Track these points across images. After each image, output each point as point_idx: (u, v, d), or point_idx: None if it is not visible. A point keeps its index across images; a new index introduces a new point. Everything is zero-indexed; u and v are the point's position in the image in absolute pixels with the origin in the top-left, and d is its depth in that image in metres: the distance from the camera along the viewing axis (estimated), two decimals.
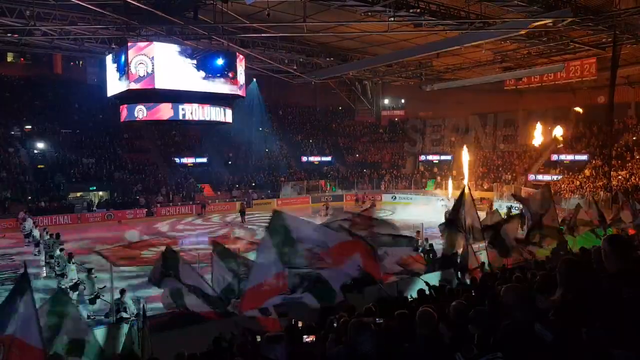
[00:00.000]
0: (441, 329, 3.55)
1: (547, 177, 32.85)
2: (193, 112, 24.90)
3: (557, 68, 28.91)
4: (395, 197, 35.95)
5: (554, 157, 35.42)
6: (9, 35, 22.72)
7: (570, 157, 34.01)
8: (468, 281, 7.67)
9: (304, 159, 41.27)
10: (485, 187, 34.64)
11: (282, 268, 4.43)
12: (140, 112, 24.41)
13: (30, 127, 32.48)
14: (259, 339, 5.78)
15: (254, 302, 4.55)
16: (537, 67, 30.12)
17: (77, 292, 12.69)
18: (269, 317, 6.05)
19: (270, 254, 4.47)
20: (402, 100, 45.74)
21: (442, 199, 31.26)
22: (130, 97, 24.08)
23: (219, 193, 33.96)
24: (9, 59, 36.02)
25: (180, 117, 24.77)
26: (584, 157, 33.15)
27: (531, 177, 34.52)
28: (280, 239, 4.49)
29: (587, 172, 31.12)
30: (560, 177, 32.05)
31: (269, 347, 3.26)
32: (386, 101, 45.90)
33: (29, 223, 21.40)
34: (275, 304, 4.74)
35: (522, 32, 21.73)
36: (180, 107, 24.57)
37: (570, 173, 31.97)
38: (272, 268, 4.43)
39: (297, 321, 6.38)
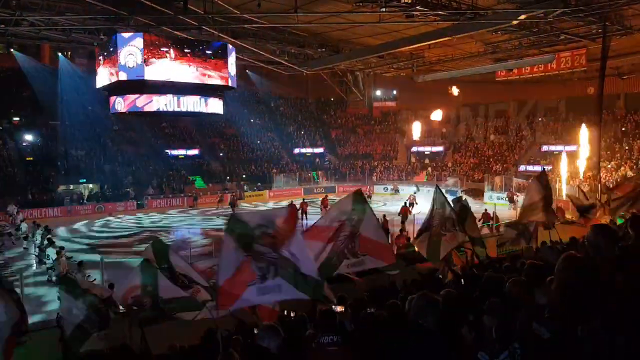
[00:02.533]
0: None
1: (537, 168, 33.16)
2: (183, 103, 24.70)
3: (547, 59, 29.03)
4: (387, 189, 36.07)
5: (545, 148, 35.73)
6: None
7: (560, 147, 34.30)
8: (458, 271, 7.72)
9: (296, 150, 41.22)
10: (477, 179, 34.88)
11: (245, 256, 4.47)
12: (130, 103, 24.16)
13: (18, 119, 32.07)
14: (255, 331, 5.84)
15: (230, 297, 4.54)
16: (527, 58, 30.21)
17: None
18: (265, 307, 6.12)
19: (231, 247, 4.50)
20: (394, 92, 45.71)
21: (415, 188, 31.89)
22: (120, 88, 23.81)
23: (210, 185, 33.84)
24: None
25: (170, 109, 24.55)
26: (574, 148, 33.45)
27: (522, 167, 34.82)
28: (240, 231, 4.57)
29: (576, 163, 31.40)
30: (550, 167, 32.34)
31: (263, 337, 3.30)
32: (378, 92, 45.84)
33: (19, 216, 21.25)
34: (260, 297, 4.74)
35: (514, 23, 21.74)
36: (170, 98, 24.36)
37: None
38: (237, 258, 4.46)
39: (290, 311, 6.44)
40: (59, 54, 32.45)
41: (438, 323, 3.16)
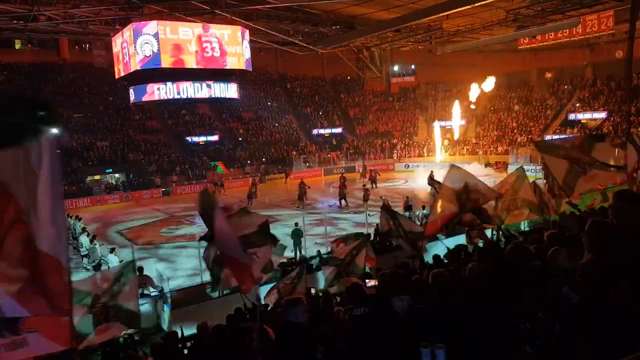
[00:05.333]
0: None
1: (564, 137, 32.30)
2: (200, 89, 24.78)
3: (572, 23, 27.92)
4: (409, 166, 35.72)
5: (571, 117, 34.70)
6: (14, 22, 22.68)
7: (587, 115, 33.28)
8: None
9: (314, 131, 41.05)
10: (500, 151, 34.18)
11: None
12: (149, 92, 24.37)
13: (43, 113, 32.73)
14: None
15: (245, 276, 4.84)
16: (551, 24, 29.14)
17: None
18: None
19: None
20: (412, 66, 44.84)
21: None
22: (138, 77, 24.02)
23: (231, 170, 34.10)
24: (17, 46, 36.07)
25: (188, 95, 24.68)
26: (602, 115, 32.42)
27: (547, 137, 33.93)
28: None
29: (605, 130, 30.47)
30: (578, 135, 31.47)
31: (289, 310, 3.32)
32: (396, 68, 45.06)
33: None
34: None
35: None
36: (187, 84, 24.46)
37: (588, 132, 31.35)
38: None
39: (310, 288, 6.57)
40: (76, 47, 32.80)
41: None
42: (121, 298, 5.52)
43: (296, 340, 3.15)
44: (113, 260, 12.71)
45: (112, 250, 13.35)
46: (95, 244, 14.24)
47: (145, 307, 10.04)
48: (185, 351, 5.82)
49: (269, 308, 6.85)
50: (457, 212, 6.16)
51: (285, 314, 3.32)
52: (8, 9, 20.53)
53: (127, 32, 23.03)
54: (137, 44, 22.54)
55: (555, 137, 33.13)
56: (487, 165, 32.00)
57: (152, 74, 23.50)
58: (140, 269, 10.82)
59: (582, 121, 33.75)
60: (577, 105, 34.93)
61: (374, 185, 26.36)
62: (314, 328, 3.41)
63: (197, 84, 24.67)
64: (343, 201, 22.79)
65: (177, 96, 24.46)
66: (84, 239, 14.80)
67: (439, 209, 6.29)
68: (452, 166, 6.48)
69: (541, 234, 7.52)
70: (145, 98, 24.76)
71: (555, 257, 3.68)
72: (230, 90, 25.88)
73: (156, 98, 24.52)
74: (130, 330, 6.15)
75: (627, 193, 3.12)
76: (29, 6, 20.53)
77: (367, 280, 6.08)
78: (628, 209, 2.77)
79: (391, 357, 3.10)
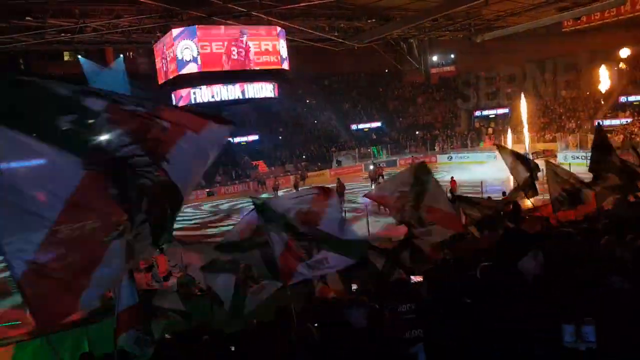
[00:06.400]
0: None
1: (615, 122, 30.65)
2: (245, 90, 25.21)
3: (619, 1, 26.42)
4: (452, 157, 34.96)
5: (622, 99, 32.86)
6: (62, 35, 23.84)
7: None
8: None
9: (354, 127, 40.89)
10: (548, 139, 32.85)
11: (287, 236, 4.61)
12: (184, 96, 25.06)
13: None
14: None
15: (287, 271, 4.75)
16: (596, 4, 27.67)
17: (151, 273, 13.50)
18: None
19: (273, 230, 4.66)
20: (452, 56, 43.78)
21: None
22: (180, 82, 24.74)
23: (272, 168, 34.52)
24: (66, 57, 37.86)
25: (222, 98, 25.19)
26: None
27: (597, 122, 32.30)
28: (273, 221, 4.71)
29: None
30: (630, 120, 29.76)
31: (349, 312, 3.21)
32: (434, 58, 44.13)
33: None
34: (312, 272, 4.87)
35: None
36: (228, 87, 24.97)
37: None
38: (282, 238, 4.62)
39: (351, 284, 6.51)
40: (121, 55, 34.00)
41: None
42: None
43: (347, 344, 3.05)
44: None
45: (161, 250, 13.76)
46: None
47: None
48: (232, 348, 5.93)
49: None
50: None
51: (346, 314, 3.20)
52: (56, 22, 21.60)
53: (168, 38, 23.76)
54: (178, 50, 23.23)
55: (607, 121, 31.58)
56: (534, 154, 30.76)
57: (194, 77, 24.16)
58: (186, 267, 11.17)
59: (634, 103, 31.89)
60: (630, 87, 33.04)
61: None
62: (371, 332, 3.25)
63: (229, 86, 25.09)
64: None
65: (210, 99, 25.00)
66: None
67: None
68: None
69: (592, 223, 7.22)
70: (180, 103, 25.48)
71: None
72: (265, 90, 26.17)
73: (191, 102, 25.17)
74: None
75: None
76: (76, 19, 21.53)
77: (412, 276, 5.91)
78: None
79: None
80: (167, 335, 5.84)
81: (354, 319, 3.16)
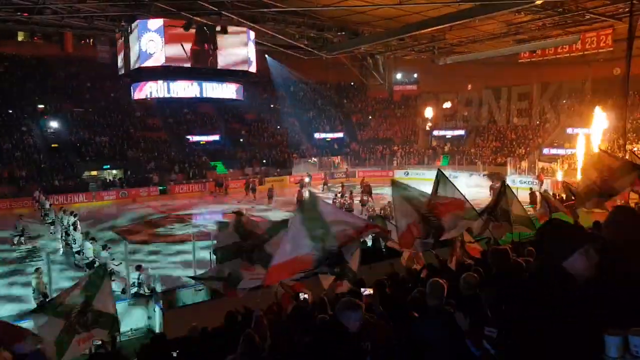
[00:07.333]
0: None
1: (561, 151, 32.42)
2: (203, 89, 24.87)
3: (572, 40, 28.16)
4: (408, 173, 35.79)
5: (569, 131, 34.83)
6: (18, 13, 22.73)
7: (585, 130, 33.38)
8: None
9: (316, 135, 41.14)
10: (498, 162, 34.28)
11: (311, 249, 4.60)
12: (151, 89, 24.45)
13: (42, 106, 32.73)
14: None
15: (278, 276, 4.83)
16: (551, 39, 29.37)
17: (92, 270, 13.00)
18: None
19: (300, 233, 4.63)
20: (415, 75, 45.03)
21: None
22: (141, 74, 24.08)
23: (231, 171, 34.11)
24: (20, 38, 36.08)
25: (191, 95, 24.79)
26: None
27: (545, 150, 34.08)
28: (312, 221, 4.68)
29: (602, 145, 30.58)
30: (575, 150, 31.54)
31: (345, 314, 3.07)
32: (399, 76, 45.24)
33: (45, 202, 21.82)
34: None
35: (537, 2, 21.12)
36: (190, 84, 24.54)
37: None
38: (303, 248, 4.61)
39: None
40: (81, 41, 32.86)
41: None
42: (96, 302, 5.50)
43: (339, 346, 3.00)
44: (105, 257, 12.70)
45: (104, 247, 13.34)
46: (88, 241, 14.21)
47: (135, 307, 10.05)
48: (174, 354, 5.84)
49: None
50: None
51: (340, 315, 3.10)
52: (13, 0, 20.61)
53: (132, 28, 23.12)
54: (142, 41, 22.64)
55: (553, 150, 33.35)
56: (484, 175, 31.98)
57: (156, 71, 23.58)
58: (139, 267, 10.91)
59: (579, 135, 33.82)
60: (576, 119, 35.05)
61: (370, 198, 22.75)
62: (363, 339, 3.18)
63: (187, 83, 24.67)
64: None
65: (167, 95, 24.53)
66: (77, 235, 14.79)
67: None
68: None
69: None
70: (136, 96, 24.84)
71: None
72: (226, 91, 25.88)
73: (158, 96, 24.61)
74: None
75: (623, 209, 3.06)
76: None
77: (362, 289, 5.98)
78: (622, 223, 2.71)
79: None
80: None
81: (347, 321, 3.08)
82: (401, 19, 26.66)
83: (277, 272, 4.64)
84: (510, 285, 3.22)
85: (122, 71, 25.37)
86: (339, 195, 22.96)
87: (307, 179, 29.64)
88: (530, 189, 22.35)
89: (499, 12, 22.36)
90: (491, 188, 21.86)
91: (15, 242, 17.25)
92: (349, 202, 21.38)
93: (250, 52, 25.57)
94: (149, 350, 5.59)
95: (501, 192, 8.20)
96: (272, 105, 41.28)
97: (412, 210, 6.43)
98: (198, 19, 24.17)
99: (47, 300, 8.69)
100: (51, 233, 18.70)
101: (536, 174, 28.19)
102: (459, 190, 7.02)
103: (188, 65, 23.77)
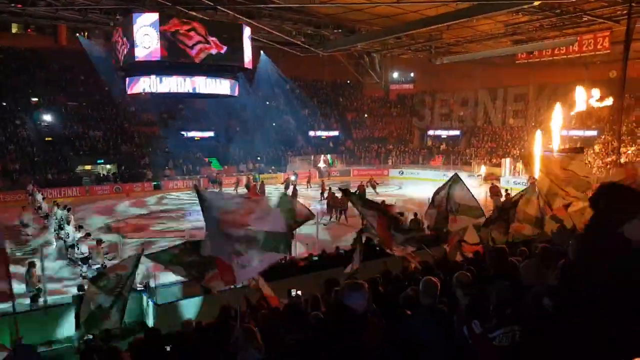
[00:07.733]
0: (458, 294, 3.80)
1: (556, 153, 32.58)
2: (199, 84, 24.69)
3: (569, 41, 28.24)
4: (403, 172, 35.84)
5: (563, 133, 34.96)
6: (12, 5, 22.47)
7: (579, 132, 33.57)
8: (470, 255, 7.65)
9: (312, 133, 41.05)
10: (494, 162, 34.38)
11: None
12: (146, 84, 24.25)
13: (36, 99, 32.41)
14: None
15: (228, 273, 4.79)
16: (548, 41, 29.44)
17: (86, 265, 12.91)
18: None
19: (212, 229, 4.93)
20: (411, 74, 45.04)
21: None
22: (136, 69, 23.88)
23: (225, 167, 33.98)
24: (14, 30, 35.69)
25: (187, 90, 24.60)
26: (594, 133, 32.74)
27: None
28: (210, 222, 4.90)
29: (596, 147, 30.79)
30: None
31: (351, 296, 3.11)
32: (395, 75, 45.23)
33: (38, 196, 21.64)
34: (244, 271, 4.94)
35: (535, 3, 21.15)
36: (186, 79, 24.37)
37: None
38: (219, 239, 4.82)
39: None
40: (75, 34, 32.57)
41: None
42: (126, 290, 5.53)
43: (348, 325, 3.02)
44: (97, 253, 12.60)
45: (98, 242, 13.23)
46: (82, 235, 14.10)
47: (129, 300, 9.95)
48: (167, 348, 5.78)
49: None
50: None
51: (345, 298, 3.15)
52: None
53: (128, 22, 22.90)
54: (137, 35, 22.41)
55: (547, 152, 33.42)
56: (479, 176, 32.07)
57: (151, 65, 23.37)
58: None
59: (574, 137, 34.00)
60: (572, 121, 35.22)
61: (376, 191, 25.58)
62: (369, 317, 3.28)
63: (197, 79, 24.52)
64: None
65: (160, 90, 24.35)
66: (70, 229, 14.67)
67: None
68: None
69: (528, 245, 7.59)
70: (130, 91, 24.64)
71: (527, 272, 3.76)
72: (220, 87, 25.67)
73: (153, 90, 24.40)
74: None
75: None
76: None
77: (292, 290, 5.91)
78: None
79: None
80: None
81: (352, 301, 3.10)
82: (398, 17, 26.62)
83: (224, 269, 4.74)
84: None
85: (116, 65, 25.14)
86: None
87: (293, 177, 29.49)
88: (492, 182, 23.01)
89: (497, 12, 22.39)
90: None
91: (30, 234, 17.41)
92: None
93: (247, 48, 25.41)
94: (142, 345, 5.53)
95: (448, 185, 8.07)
96: (267, 103, 41.14)
97: (373, 211, 7.01)
98: (193, 13, 24.00)
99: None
100: (44, 227, 18.54)
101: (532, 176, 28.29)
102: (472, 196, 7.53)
103: (183, 60, 23.58)
